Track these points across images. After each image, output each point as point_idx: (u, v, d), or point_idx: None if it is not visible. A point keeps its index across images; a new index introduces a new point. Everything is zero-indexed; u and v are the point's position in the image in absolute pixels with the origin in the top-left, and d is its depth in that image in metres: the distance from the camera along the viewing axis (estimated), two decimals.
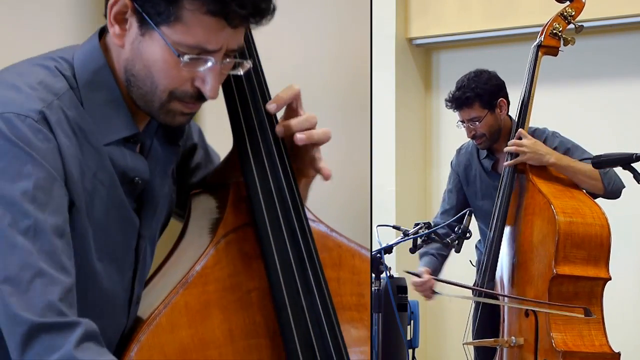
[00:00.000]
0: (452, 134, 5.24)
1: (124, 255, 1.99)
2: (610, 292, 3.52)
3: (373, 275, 3.28)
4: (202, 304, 2.04)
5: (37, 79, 1.86)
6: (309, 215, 2.18)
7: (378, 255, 3.30)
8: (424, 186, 6.10)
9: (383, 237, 3.34)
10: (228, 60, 1.88)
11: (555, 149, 3.75)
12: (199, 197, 2.19)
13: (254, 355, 2.08)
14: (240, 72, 1.95)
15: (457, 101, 3.90)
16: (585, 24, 5.21)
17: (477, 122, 3.86)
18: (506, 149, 3.71)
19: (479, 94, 3.87)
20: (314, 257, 2.12)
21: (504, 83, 3.95)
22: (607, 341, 3.45)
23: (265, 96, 2.08)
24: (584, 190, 3.69)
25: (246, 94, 2.06)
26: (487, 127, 3.88)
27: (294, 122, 2.03)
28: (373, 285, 3.27)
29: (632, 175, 3.50)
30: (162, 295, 2.02)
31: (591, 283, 3.47)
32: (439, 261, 3.97)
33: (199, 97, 1.89)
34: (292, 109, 2.04)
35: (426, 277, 3.84)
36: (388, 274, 3.39)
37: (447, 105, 3.98)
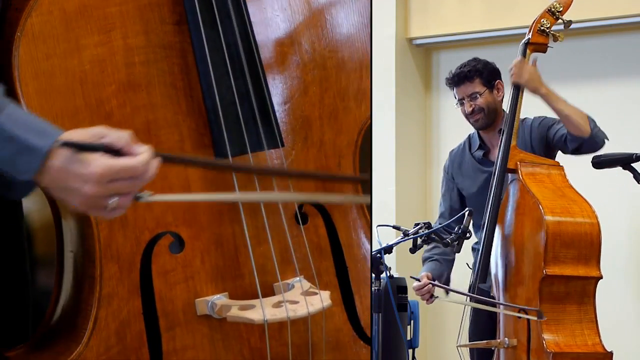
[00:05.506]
0: (452, 134, 5.25)
1: None
2: (602, 291, 3.51)
3: (373, 275, 3.28)
4: None
5: None
6: None
7: (378, 255, 3.30)
8: (424, 186, 6.10)
9: (383, 237, 3.34)
10: None
11: (541, 122, 3.90)
12: None
13: (154, 12, 2.07)
14: None
15: (459, 76, 4.01)
16: (585, 24, 5.25)
17: (476, 97, 3.95)
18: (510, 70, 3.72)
19: (480, 70, 3.99)
20: None
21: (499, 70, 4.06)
22: (600, 340, 3.42)
23: None
24: (576, 190, 3.67)
25: None
26: (486, 103, 3.97)
27: None
28: (373, 285, 3.27)
29: (632, 175, 3.50)
30: None
31: (582, 282, 3.45)
32: (443, 265, 4.00)
33: None
34: None
35: (424, 281, 3.85)
36: (388, 274, 3.39)
37: (447, 83, 4.07)
